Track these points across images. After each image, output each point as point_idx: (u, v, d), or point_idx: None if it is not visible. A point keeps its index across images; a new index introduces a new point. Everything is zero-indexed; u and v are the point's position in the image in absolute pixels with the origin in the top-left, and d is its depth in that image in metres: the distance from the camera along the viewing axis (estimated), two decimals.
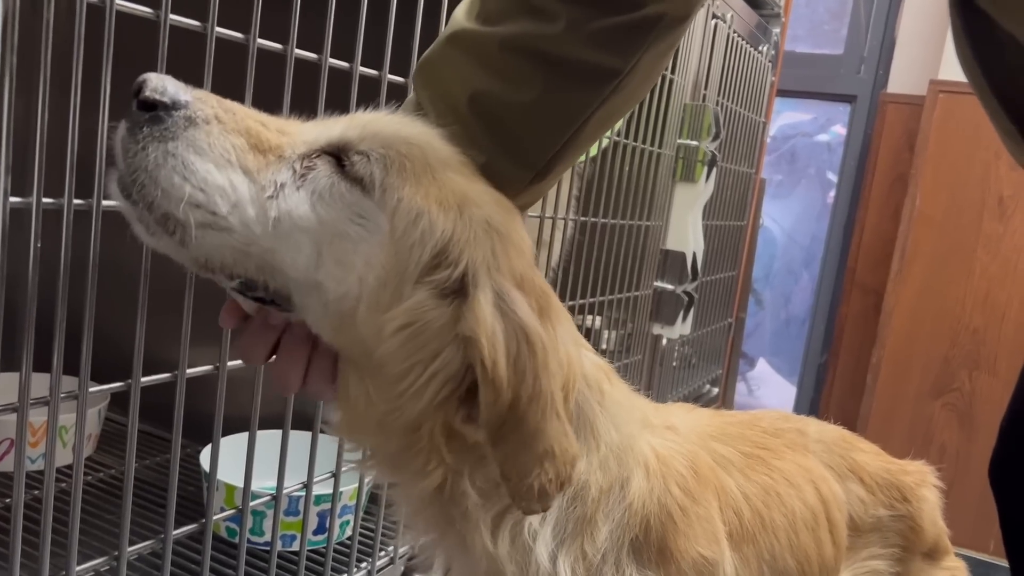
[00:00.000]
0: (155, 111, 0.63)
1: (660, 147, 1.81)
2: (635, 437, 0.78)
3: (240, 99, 0.86)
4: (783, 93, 3.28)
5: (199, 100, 0.65)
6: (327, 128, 0.71)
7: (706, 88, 1.94)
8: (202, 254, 0.65)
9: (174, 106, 0.64)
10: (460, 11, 0.80)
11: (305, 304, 0.68)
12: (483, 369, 0.63)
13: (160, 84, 0.64)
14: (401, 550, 1.29)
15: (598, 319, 1.86)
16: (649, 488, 0.76)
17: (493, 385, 0.63)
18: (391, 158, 0.68)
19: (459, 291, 0.66)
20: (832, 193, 3.67)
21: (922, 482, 1.14)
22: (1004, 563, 3.16)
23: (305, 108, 0.93)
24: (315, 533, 1.26)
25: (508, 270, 0.68)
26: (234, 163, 0.65)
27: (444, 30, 0.80)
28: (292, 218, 0.65)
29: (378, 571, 1.25)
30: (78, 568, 0.84)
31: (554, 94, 0.75)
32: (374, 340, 0.66)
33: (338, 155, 0.68)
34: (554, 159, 0.79)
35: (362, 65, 1.00)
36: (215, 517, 1.01)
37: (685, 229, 1.97)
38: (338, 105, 0.97)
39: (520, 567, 0.72)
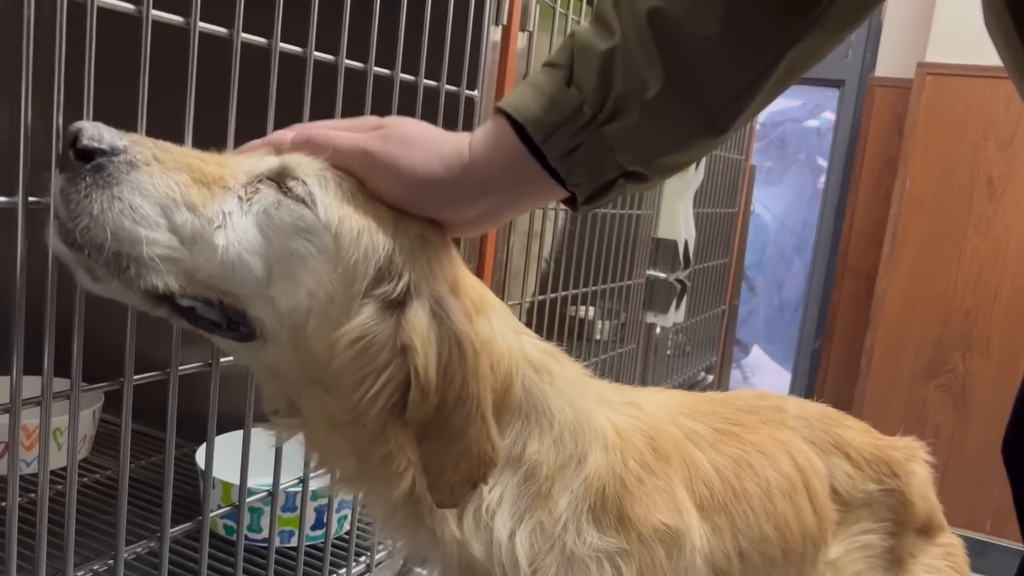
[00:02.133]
0: (94, 159, 0.64)
1: None
2: (591, 412, 0.81)
3: (225, 95, 0.86)
4: None
5: (136, 144, 0.67)
6: (263, 158, 0.73)
7: None
8: (159, 283, 0.66)
9: (112, 152, 0.65)
10: None
11: (260, 317, 0.69)
12: (415, 373, 0.67)
13: (96, 132, 0.65)
14: (399, 544, 1.29)
15: (591, 309, 1.86)
16: (606, 461, 0.80)
17: (422, 388, 0.67)
18: (327, 179, 0.70)
19: (401, 303, 0.69)
20: (822, 178, 3.67)
21: (911, 457, 1.14)
22: (1001, 542, 3.18)
23: (291, 103, 0.92)
24: (313, 528, 1.26)
25: (443, 277, 0.72)
26: (179, 200, 0.66)
27: None
28: (241, 244, 0.68)
29: (377, 565, 1.25)
30: (75, 571, 0.84)
31: (741, 24, 0.66)
32: (326, 354, 0.69)
33: (278, 181, 0.70)
34: (733, 104, 0.69)
35: (347, 58, 0.99)
36: (212, 515, 1.01)
37: (676, 217, 1.97)
38: (324, 99, 0.96)
39: (484, 545, 0.76)
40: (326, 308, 0.69)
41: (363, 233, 0.69)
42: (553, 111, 0.69)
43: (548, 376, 0.79)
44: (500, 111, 0.72)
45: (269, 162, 0.72)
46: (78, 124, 0.65)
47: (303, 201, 0.69)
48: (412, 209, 0.73)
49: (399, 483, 0.71)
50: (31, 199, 0.72)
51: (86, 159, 0.64)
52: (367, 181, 0.72)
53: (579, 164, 0.70)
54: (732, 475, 0.92)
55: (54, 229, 0.66)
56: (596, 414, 0.82)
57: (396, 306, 0.69)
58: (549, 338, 0.84)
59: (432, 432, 0.69)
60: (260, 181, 0.70)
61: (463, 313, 0.71)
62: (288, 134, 0.75)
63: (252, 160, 0.73)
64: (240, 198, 0.69)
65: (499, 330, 0.75)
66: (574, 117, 0.69)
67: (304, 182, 0.70)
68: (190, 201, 0.67)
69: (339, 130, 0.74)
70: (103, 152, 0.64)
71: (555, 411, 0.78)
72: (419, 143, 0.72)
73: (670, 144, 0.71)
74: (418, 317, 0.68)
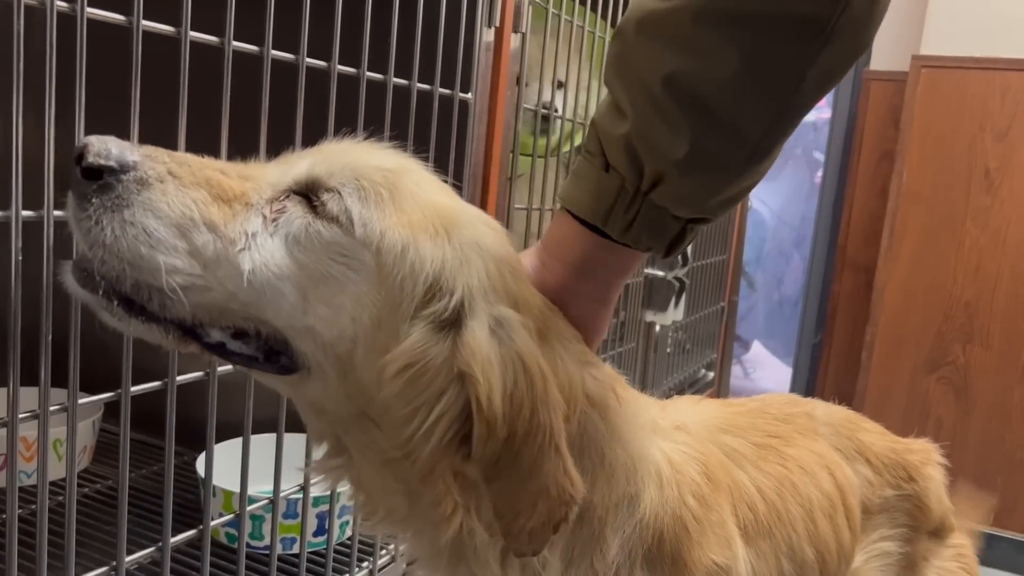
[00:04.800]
0: (102, 178, 0.60)
1: None
2: (645, 448, 0.76)
3: (217, 103, 0.85)
4: None
5: (148, 158, 0.61)
6: (291, 166, 0.68)
7: None
8: (185, 315, 0.62)
9: (122, 169, 0.60)
10: None
11: (304, 350, 0.64)
12: (478, 405, 0.61)
13: (102, 147, 0.60)
14: (402, 548, 1.29)
15: None
16: (662, 500, 0.75)
17: (487, 421, 0.61)
18: (366, 189, 0.64)
19: (455, 322, 0.63)
20: (820, 173, 3.67)
21: (927, 461, 1.14)
22: (1006, 534, 3.18)
23: (284, 110, 0.92)
24: (315, 535, 1.26)
25: (504, 292, 0.66)
26: (197, 220, 0.61)
27: (626, 20, 0.71)
28: (269, 268, 0.62)
29: (380, 570, 1.24)
30: None
31: (757, 60, 0.65)
32: (375, 384, 0.63)
33: (307, 194, 0.65)
34: (770, 132, 0.69)
35: (340, 64, 0.99)
36: (213, 523, 1.01)
37: None
38: (317, 105, 0.96)
39: None
40: (373, 334, 0.63)
41: (408, 247, 0.63)
42: (602, 197, 0.72)
43: (604, 411, 0.73)
44: (563, 207, 0.75)
45: (297, 171, 0.66)
46: (85, 139, 0.60)
47: (336, 220, 0.63)
48: None
49: (448, 527, 0.65)
50: (25, 212, 0.72)
51: (93, 178, 0.59)
52: None
53: (642, 232, 0.72)
54: (775, 496, 0.89)
55: (70, 273, 0.62)
56: (651, 448, 0.77)
57: (450, 326, 0.63)
58: None
59: (502, 470, 0.62)
60: (287, 197, 0.65)
61: (527, 331, 0.64)
62: None
63: (279, 170, 0.67)
64: (264, 217, 0.64)
65: (561, 359, 0.68)
66: (621, 196, 0.71)
67: (340, 193, 0.64)
68: (210, 220, 0.61)
69: None
70: (111, 170, 0.59)
71: (606, 452, 0.72)
72: None
73: (718, 187, 0.71)
74: (476, 339, 0.62)
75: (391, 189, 0.65)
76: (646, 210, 0.71)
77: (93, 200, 0.59)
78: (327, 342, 0.63)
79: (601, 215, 0.72)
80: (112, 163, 0.59)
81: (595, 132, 0.73)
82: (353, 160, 0.67)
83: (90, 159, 0.59)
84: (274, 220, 0.64)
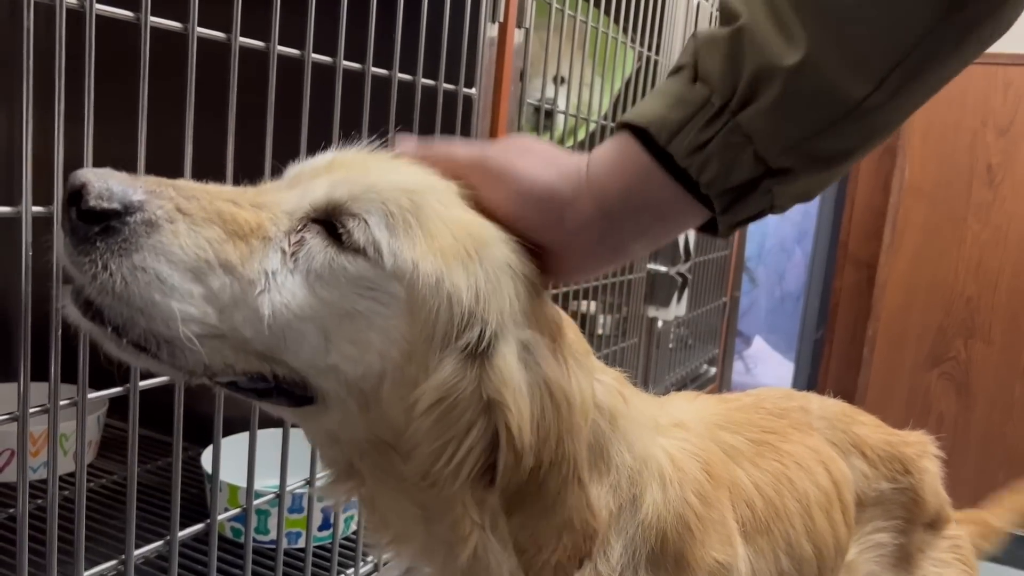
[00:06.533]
0: (105, 221, 0.54)
1: None
2: (648, 447, 0.75)
3: (224, 97, 0.86)
4: None
5: (153, 195, 0.56)
6: (307, 189, 0.63)
7: None
8: (197, 366, 0.58)
9: (126, 210, 0.55)
10: None
11: (324, 388, 0.61)
12: (508, 434, 0.59)
13: (103, 187, 0.54)
14: None
15: (592, 304, 1.86)
16: (665, 499, 0.74)
17: (516, 451, 0.59)
18: (394, 216, 0.60)
19: (485, 348, 0.60)
20: None
21: (923, 453, 1.14)
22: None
23: (290, 106, 0.93)
24: (320, 529, 1.27)
25: (530, 312, 0.63)
26: (213, 262, 0.57)
27: None
28: (290, 309, 0.58)
29: (384, 564, 1.25)
30: (86, 574, 0.84)
31: None
32: (403, 419, 0.61)
33: (327, 220, 0.61)
34: (898, 73, 0.57)
35: (345, 59, 1.00)
36: (220, 518, 1.01)
37: None
38: (322, 100, 0.97)
39: None
40: (402, 368, 0.60)
41: (442, 278, 0.59)
42: (678, 108, 0.61)
43: (612, 417, 0.72)
44: (621, 124, 0.65)
45: (314, 195, 0.61)
46: (80, 176, 0.54)
47: (362, 252, 0.59)
48: (525, 226, 0.64)
49: (464, 548, 0.63)
50: (34, 208, 0.72)
51: (93, 221, 0.54)
52: (481, 191, 0.65)
53: (711, 159, 0.60)
54: (773, 492, 0.90)
55: (72, 303, 0.57)
56: (654, 448, 0.76)
57: (479, 355, 0.60)
58: None
59: (525, 502, 0.61)
60: (305, 227, 0.61)
61: (553, 355, 0.63)
62: (408, 147, 0.69)
63: (294, 194, 0.63)
64: (283, 252, 0.59)
65: (574, 374, 0.66)
66: (703, 110, 0.60)
67: (366, 222, 0.60)
68: (227, 261, 0.57)
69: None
70: (116, 213, 0.54)
71: (614, 456, 0.71)
72: (538, 154, 0.66)
73: (818, 123, 0.59)
74: (507, 366, 0.60)
75: (418, 213, 0.61)
76: (727, 134, 0.60)
77: (98, 244, 0.55)
78: (352, 380, 0.61)
79: (671, 127, 0.61)
80: (116, 205, 0.55)
81: (691, 44, 0.63)
82: (375, 181, 0.62)
83: (91, 202, 0.54)
84: (293, 255, 0.60)
